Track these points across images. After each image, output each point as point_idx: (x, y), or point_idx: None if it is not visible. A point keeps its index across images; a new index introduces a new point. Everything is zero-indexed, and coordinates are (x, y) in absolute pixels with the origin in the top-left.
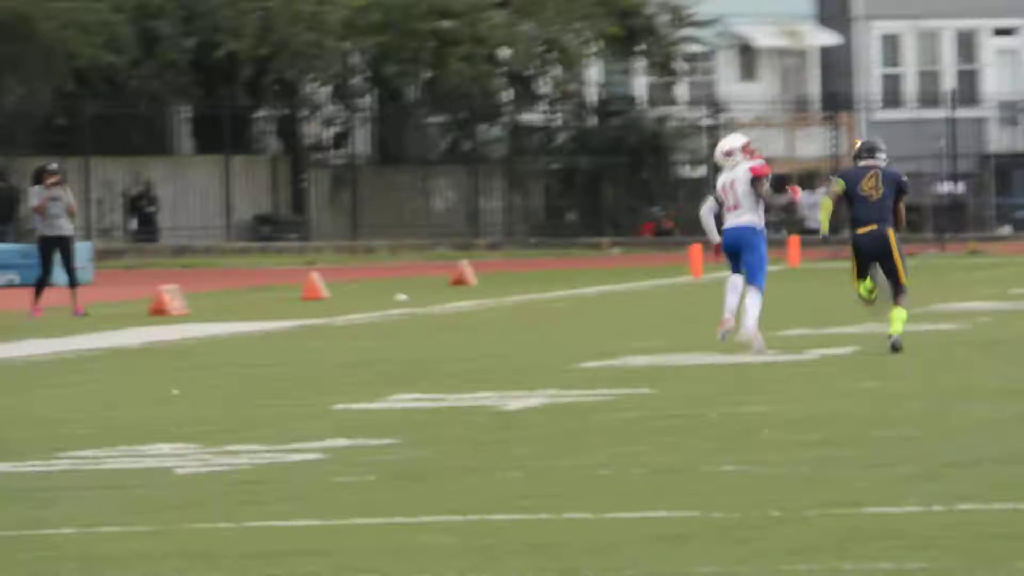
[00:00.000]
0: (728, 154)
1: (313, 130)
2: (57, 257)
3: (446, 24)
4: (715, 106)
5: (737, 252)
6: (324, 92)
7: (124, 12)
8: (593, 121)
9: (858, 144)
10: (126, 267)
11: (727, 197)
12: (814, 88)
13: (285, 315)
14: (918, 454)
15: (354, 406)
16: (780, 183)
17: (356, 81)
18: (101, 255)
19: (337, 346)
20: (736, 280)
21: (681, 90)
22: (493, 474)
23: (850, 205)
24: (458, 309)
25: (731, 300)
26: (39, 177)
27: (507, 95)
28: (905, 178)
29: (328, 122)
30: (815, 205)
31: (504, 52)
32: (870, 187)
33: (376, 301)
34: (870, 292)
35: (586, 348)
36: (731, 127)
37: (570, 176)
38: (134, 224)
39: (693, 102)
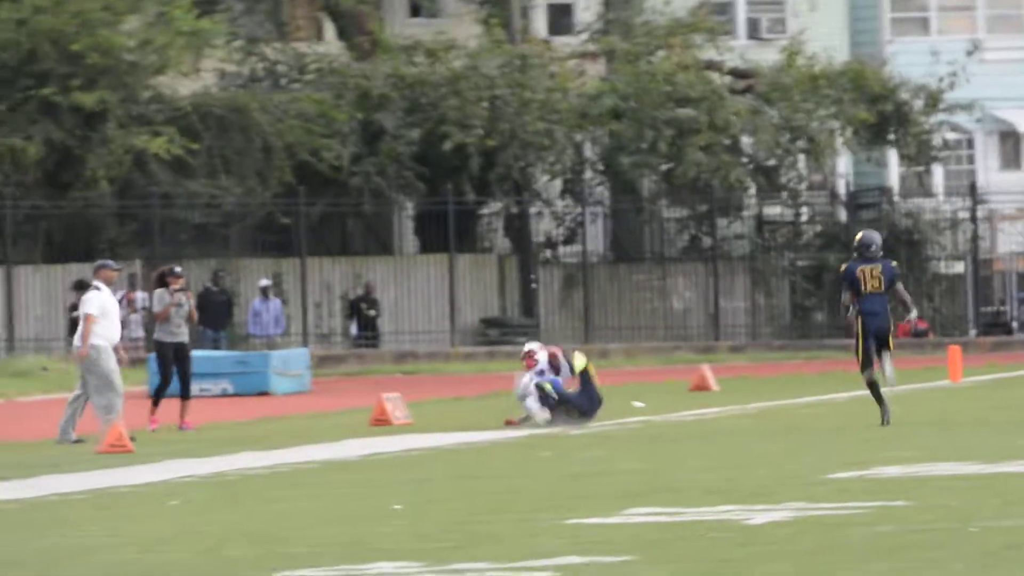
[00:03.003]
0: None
1: (543, 226)
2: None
3: (684, 112)
4: (975, 197)
5: None
6: (554, 186)
7: (345, 103)
8: (842, 214)
9: None
10: (345, 374)
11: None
12: None
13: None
14: None
15: (587, 521)
16: None
17: (588, 173)
18: (319, 362)
19: (569, 457)
20: None
21: (937, 180)
22: None
23: None
24: (698, 416)
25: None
26: (162, 280)
27: (750, 187)
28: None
29: (559, 218)
30: None
31: (747, 141)
32: None
33: (611, 408)
34: None
35: (836, 457)
36: (992, 219)
37: (818, 274)
38: (354, 329)
39: (950, 193)
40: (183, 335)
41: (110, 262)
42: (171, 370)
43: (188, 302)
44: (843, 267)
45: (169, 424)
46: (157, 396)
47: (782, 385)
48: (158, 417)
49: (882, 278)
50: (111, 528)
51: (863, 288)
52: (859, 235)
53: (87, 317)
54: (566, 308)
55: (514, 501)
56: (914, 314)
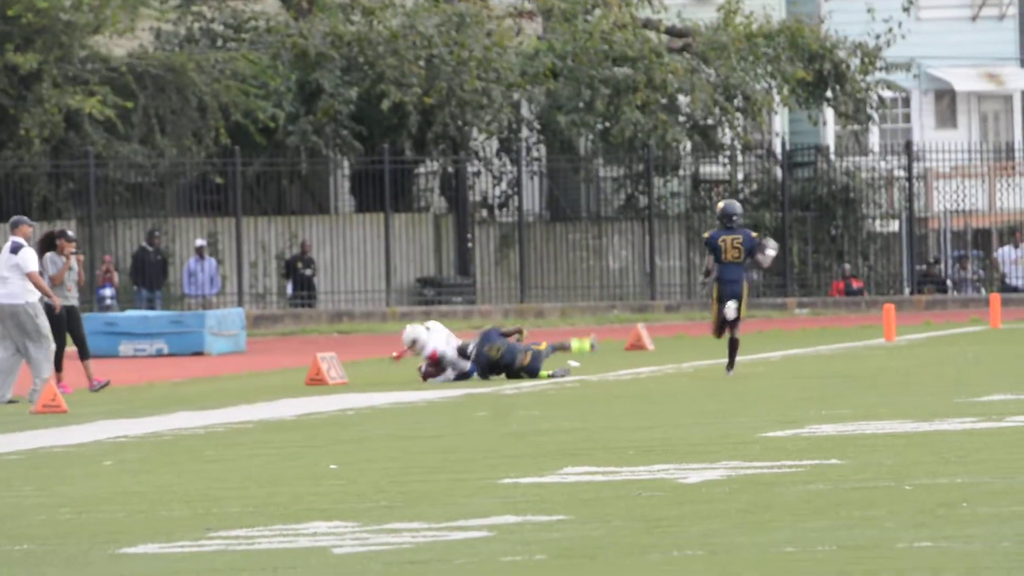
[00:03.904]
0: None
1: (479, 186)
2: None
3: (621, 71)
4: (910, 155)
5: None
6: (491, 145)
7: (281, 62)
8: (778, 173)
9: None
10: (281, 334)
11: None
12: (1018, 135)
13: (450, 384)
14: None
15: (522, 480)
16: None
17: (525, 132)
18: (255, 321)
19: (504, 416)
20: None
21: (873, 138)
22: (670, 552)
23: None
24: (634, 375)
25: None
26: (52, 243)
27: (686, 146)
28: None
29: (495, 177)
30: (1017, 261)
31: (683, 100)
32: None
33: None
34: None
35: (770, 416)
36: (927, 177)
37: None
38: (289, 288)
39: (886, 151)
40: (73, 298)
41: (25, 218)
42: (65, 333)
43: (78, 265)
44: (707, 234)
45: (82, 388)
46: (57, 361)
47: (717, 344)
48: (66, 382)
49: (742, 248)
50: (45, 489)
51: (723, 256)
52: (721, 205)
53: (33, 275)
54: (502, 267)
55: (449, 461)
56: (767, 258)
